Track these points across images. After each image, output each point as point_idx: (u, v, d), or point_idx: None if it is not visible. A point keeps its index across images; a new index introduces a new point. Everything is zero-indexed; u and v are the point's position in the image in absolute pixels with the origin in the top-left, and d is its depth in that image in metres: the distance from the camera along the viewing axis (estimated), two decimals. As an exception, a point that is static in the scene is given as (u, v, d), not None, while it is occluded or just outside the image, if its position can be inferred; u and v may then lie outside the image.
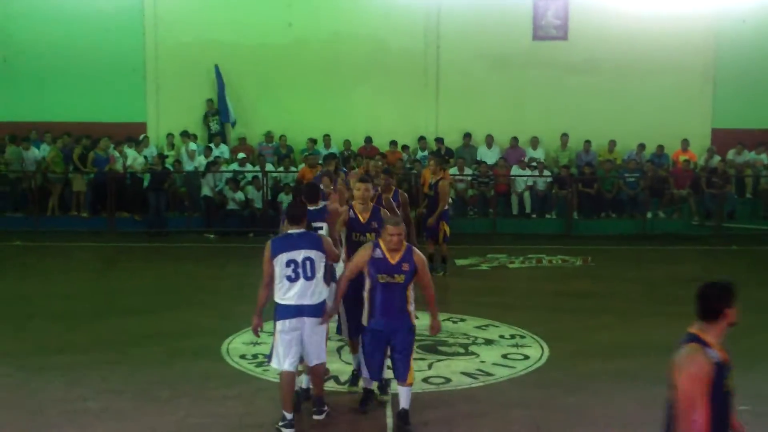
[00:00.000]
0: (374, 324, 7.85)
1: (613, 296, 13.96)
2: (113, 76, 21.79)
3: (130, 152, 20.62)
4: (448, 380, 9.40)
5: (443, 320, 11.44)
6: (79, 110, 21.57)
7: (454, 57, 22.19)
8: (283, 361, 7.81)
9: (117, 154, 20.58)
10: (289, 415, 7.83)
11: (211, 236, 19.55)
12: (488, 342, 10.90)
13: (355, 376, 8.95)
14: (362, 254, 7.83)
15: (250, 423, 8.16)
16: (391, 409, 8.37)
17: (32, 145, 20.74)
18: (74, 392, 8.96)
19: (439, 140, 21.75)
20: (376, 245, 7.80)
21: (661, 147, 21.76)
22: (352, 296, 8.25)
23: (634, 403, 8.69)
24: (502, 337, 11.12)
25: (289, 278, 7.76)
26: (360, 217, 8.90)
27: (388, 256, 7.72)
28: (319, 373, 8.17)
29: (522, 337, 11.15)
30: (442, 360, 10.11)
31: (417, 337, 10.96)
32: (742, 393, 8.93)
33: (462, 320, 11.80)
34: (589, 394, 9.05)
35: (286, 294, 7.77)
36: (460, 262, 16.52)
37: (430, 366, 9.83)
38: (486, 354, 10.38)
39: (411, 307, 7.90)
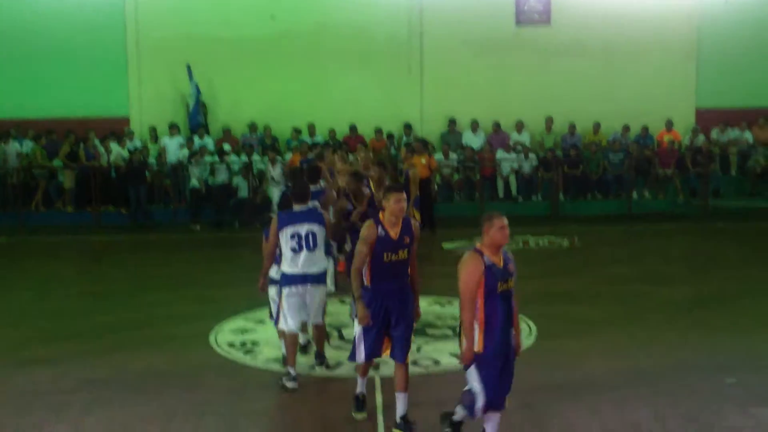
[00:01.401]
0: (497, 348, 6.61)
1: (601, 276, 13.98)
2: (95, 71, 21.60)
3: (114, 147, 20.51)
4: (437, 362, 9.40)
5: (431, 304, 11.51)
6: (61, 106, 21.42)
7: (437, 43, 22.15)
8: (288, 323, 8.68)
9: (102, 149, 20.50)
10: (292, 370, 8.68)
11: (198, 227, 19.48)
12: (477, 324, 10.89)
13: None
14: (475, 270, 6.54)
15: (240, 411, 8.13)
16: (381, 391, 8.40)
17: (14, 141, 20.62)
18: (62, 385, 8.90)
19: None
20: (481, 252, 6.61)
21: (645, 128, 21.80)
22: (375, 311, 7.50)
23: (623, 378, 8.71)
24: (490, 318, 11.10)
25: (293, 249, 8.56)
26: (391, 233, 7.45)
27: (496, 261, 6.60)
28: (319, 333, 9.09)
29: (510, 318, 11.14)
30: (430, 342, 10.11)
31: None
32: (731, 365, 9.08)
33: (450, 303, 11.77)
34: (578, 372, 9.06)
35: (291, 264, 8.59)
36: (447, 245, 16.52)
37: (418, 349, 9.80)
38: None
39: None
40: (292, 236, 8.54)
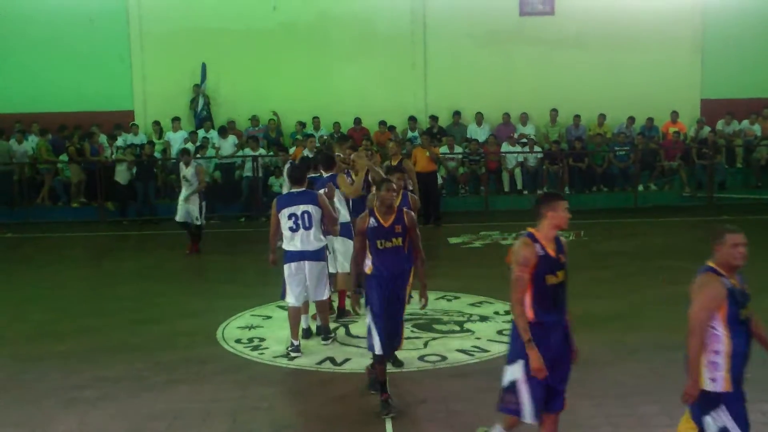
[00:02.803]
0: (740, 386, 5.79)
1: (606, 269, 13.96)
2: (99, 65, 21.68)
3: (120, 142, 20.48)
4: (443, 358, 9.38)
5: (437, 298, 11.51)
6: (66, 100, 21.49)
7: (441, 35, 22.13)
8: (290, 297, 9.42)
9: (106, 144, 20.52)
10: (296, 342, 9.48)
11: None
12: (483, 319, 10.89)
13: None
14: (718, 295, 5.61)
15: (246, 406, 8.14)
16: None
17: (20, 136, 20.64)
18: (70, 381, 8.93)
19: (433, 118, 21.68)
20: (718, 273, 5.66)
21: (650, 119, 21.76)
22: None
23: (629, 374, 8.70)
24: (496, 313, 11.11)
25: (291, 229, 9.32)
26: (549, 250, 5.97)
27: (734, 282, 5.73)
28: (322, 307, 9.74)
29: (517, 312, 11.13)
30: (437, 338, 10.11)
31: (412, 316, 10.99)
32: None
33: (456, 298, 11.79)
34: (584, 366, 9.02)
35: (290, 242, 9.36)
36: (453, 240, 16.52)
37: (425, 344, 9.83)
38: (481, 331, 10.36)
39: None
40: (290, 217, 9.30)
